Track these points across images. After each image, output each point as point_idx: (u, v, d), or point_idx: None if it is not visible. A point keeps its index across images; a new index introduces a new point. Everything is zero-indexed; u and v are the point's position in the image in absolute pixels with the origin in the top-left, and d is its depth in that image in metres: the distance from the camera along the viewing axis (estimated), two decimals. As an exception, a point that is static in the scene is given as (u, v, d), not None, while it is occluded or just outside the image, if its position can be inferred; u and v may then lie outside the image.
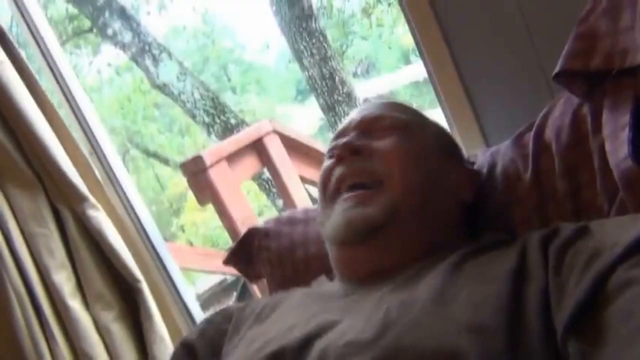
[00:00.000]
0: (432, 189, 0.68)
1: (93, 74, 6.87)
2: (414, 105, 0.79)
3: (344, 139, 0.70)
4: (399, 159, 0.67)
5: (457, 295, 0.53)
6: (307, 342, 0.55)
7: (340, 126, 0.77)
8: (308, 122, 7.51)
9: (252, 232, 1.01)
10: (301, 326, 0.58)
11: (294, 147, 2.10)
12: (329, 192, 0.70)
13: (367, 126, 0.72)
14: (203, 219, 7.18)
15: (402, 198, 0.65)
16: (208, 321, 0.78)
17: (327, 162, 0.73)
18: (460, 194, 0.72)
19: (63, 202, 1.34)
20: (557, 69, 0.67)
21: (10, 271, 1.30)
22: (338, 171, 0.69)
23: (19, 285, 1.31)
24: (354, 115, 0.76)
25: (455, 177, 0.73)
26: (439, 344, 0.48)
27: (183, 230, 7.52)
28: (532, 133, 0.74)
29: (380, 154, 0.68)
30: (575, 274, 0.49)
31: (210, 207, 1.79)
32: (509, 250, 0.59)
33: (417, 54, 1.02)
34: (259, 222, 1.06)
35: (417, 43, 1.00)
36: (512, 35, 0.91)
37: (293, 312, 0.67)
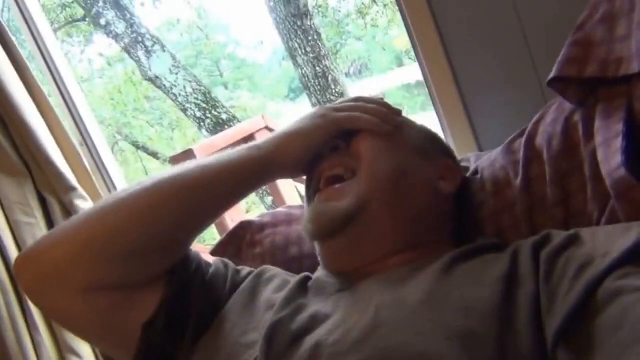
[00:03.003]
0: (406, 182, 0.69)
1: (84, 63, 6.81)
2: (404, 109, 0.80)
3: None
4: (371, 151, 0.70)
5: (447, 298, 0.53)
6: (300, 334, 0.55)
7: None
8: (299, 120, 7.47)
9: (245, 226, 1.00)
10: (295, 318, 0.58)
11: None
12: (312, 187, 0.73)
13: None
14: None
15: (370, 190, 0.67)
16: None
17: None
18: (440, 187, 0.72)
19: (51, 191, 1.33)
20: (552, 75, 0.67)
21: (-6, 259, 1.28)
22: (320, 166, 0.72)
23: (3, 274, 1.29)
24: None
25: (437, 170, 0.73)
26: (427, 348, 0.47)
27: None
28: (523, 140, 0.75)
29: (356, 148, 0.70)
30: (565, 283, 0.49)
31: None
32: (501, 256, 0.59)
33: (410, 56, 1.02)
34: (248, 218, 1.05)
35: (413, 45, 1.01)
36: (509, 40, 0.92)
37: (284, 301, 0.65)
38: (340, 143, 0.72)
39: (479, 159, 0.82)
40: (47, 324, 1.33)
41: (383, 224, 0.66)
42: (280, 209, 1.03)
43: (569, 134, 0.69)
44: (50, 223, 1.34)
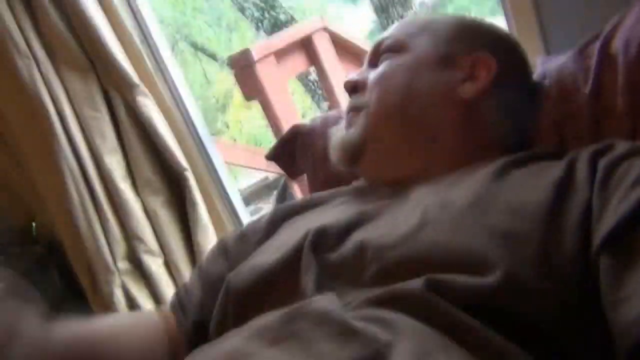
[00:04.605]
0: (418, 103, 0.68)
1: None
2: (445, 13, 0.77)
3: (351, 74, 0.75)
4: (379, 84, 0.70)
5: (495, 200, 0.53)
6: (347, 229, 0.57)
7: None
8: (359, 23, 7.26)
9: (296, 130, 1.01)
10: (343, 216, 0.60)
11: (344, 47, 2.05)
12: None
13: (372, 54, 0.75)
14: (247, 117, 7.26)
15: (377, 116, 0.69)
16: (248, 226, 0.78)
17: None
18: (464, 91, 0.68)
19: (114, 87, 1.37)
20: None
21: (66, 152, 1.36)
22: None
23: (74, 166, 1.37)
24: None
25: (463, 71, 0.68)
26: (470, 246, 0.48)
27: (227, 127, 7.64)
28: (598, 44, 0.70)
29: (370, 82, 0.71)
30: (621, 190, 0.48)
31: (254, 105, 1.79)
32: (558, 162, 0.57)
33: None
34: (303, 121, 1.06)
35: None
36: None
37: (334, 209, 0.69)
38: (357, 83, 0.73)
39: (547, 63, 0.78)
40: (116, 214, 1.43)
41: (397, 150, 0.68)
42: (331, 112, 1.03)
43: (650, 38, 0.64)
44: (114, 119, 1.40)
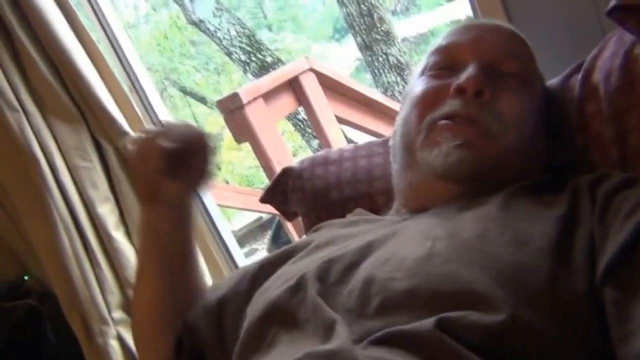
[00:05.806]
0: (532, 151, 0.68)
1: (130, 9, 6.85)
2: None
3: (469, 72, 0.65)
4: (516, 120, 0.65)
5: (502, 232, 0.53)
6: (353, 260, 0.56)
7: (445, 39, 0.72)
8: (344, 62, 7.38)
9: (287, 172, 1.01)
10: (349, 248, 0.59)
11: (331, 86, 2.07)
12: (432, 116, 0.66)
13: (489, 61, 0.67)
14: (238, 158, 7.27)
15: (509, 155, 0.65)
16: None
17: (433, 82, 0.69)
18: (549, 156, 0.70)
19: (105, 136, 1.37)
20: (612, 4, 0.63)
21: (58, 203, 1.35)
22: (453, 104, 0.65)
23: (66, 216, 1.36)
24: (466, 35, 0.71)
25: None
26: (476, 280, 0.48)
27: (219, 169, 7.65)
28: (579, 76, 0.72)
29: (502, 107, 0.65)
30: (618, 221, 0.48)
31: (245, 146, 1.80)
32: (560, 192, 0.58)
33: (461, -10, 0.96)
34: (294, 161, 1.06)
35: (463, -23, 0.96)
36: (565, -31, 0.86)
37: (339, 240, 0.66)
38: (487, 91, 0.64)
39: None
40: (109, 262, 1.41)
41: (501, 182, 0.63)
42: (319, 153, 1.03)
43: (629, 68, 0.65)
44: (106, 167, 1.40)
